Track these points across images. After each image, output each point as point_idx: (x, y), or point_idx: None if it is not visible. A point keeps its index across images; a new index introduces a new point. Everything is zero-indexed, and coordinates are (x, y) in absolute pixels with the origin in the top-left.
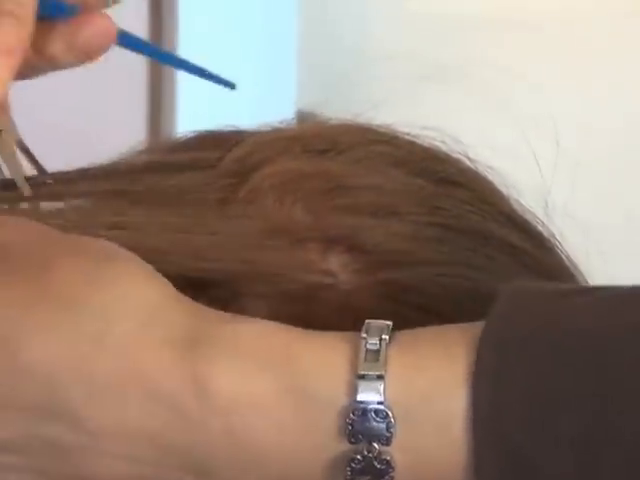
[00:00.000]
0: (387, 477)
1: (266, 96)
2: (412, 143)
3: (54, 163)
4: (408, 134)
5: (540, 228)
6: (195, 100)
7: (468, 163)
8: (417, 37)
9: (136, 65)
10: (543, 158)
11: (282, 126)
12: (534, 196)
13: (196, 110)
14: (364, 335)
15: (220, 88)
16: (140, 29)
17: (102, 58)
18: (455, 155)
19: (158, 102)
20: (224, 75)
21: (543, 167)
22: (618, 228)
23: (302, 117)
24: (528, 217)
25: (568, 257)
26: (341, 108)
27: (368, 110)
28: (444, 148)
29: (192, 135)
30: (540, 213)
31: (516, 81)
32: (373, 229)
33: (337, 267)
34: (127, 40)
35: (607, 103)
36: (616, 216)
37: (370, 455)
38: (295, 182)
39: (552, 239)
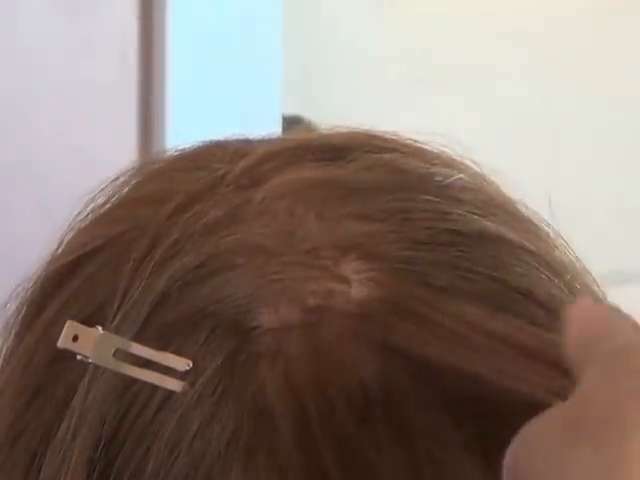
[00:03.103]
0: None
1: (251, 102)
2: (420, 149)
3: (49, 178)
4: (416, 141)
5: (547, 228)
6: (184, 106)
7: (474, 167)
8: (405, 40)
9: (125, 75)
10: (545, 157)
11: (289, 136)
12: (538, 196)
13: (185, 115)
14: None
15: (207, 95)
16: (129, 32)
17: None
18: (461, 159)
19: (148, 111)
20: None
21: (545, 167)
22: (621, 224)
23: (288, 122)
24: (534, 217)
25: (576, 256)
26: (328, 112)
27: (364, 115)
28: (450, 153)
29: (199, 145)
30: (545, 213)
31: (514, 81)
32: (385, 235)
33: (351, 274)
34: None
35: (610, 102)
36: (618, 212)
37: None
38: (306, 191)
39: (559, 238)
